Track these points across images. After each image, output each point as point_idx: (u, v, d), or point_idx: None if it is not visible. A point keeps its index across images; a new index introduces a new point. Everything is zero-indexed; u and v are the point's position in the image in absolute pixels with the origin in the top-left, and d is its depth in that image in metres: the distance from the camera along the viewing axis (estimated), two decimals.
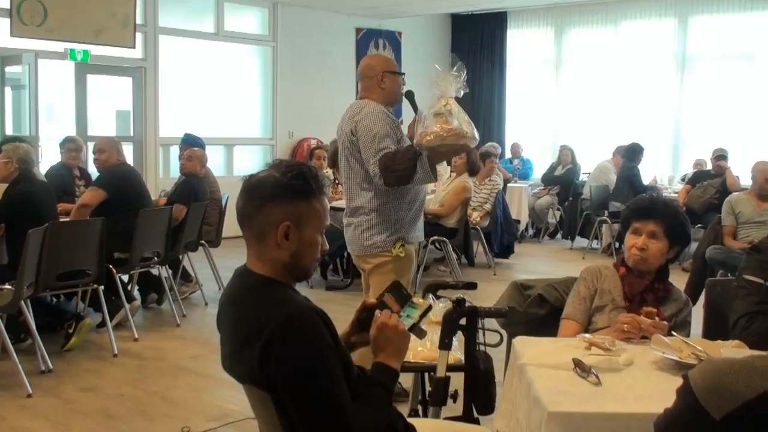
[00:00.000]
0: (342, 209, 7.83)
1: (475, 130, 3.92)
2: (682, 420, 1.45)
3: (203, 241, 7.36)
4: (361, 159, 4.11)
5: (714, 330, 3.38)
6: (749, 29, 11.82)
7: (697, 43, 12.44)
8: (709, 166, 10.38)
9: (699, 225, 8.60)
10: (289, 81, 12.45)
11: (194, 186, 7.01)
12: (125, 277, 6.54)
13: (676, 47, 12.59)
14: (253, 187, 2.10)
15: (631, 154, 10.27)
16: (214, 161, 9.83)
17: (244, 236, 2.14)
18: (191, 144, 7.73)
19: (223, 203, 7.74)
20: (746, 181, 7.70)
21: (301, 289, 2.16)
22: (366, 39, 13.70)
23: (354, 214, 4.26)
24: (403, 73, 4.44)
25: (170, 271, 6.95)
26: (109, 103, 10.92)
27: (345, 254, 8.45)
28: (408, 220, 4.21)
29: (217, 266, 7.57)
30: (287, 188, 2.07)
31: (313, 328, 1.96)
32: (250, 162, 11.92)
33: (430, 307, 2.35)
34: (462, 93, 3.95)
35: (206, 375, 5.19)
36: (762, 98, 11.74)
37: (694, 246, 6.97)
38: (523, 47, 14.28)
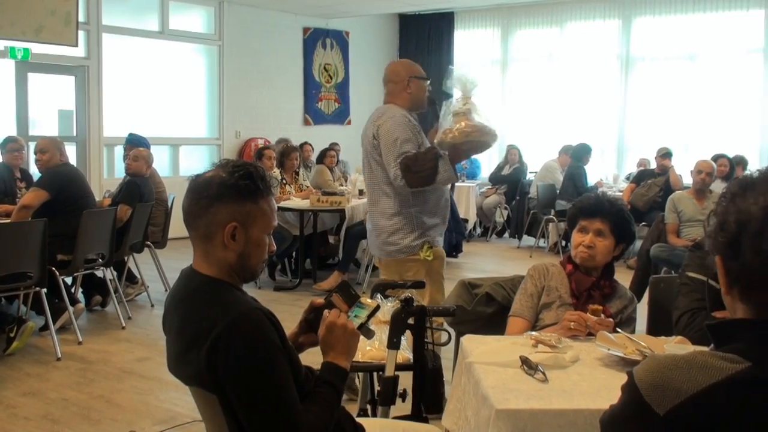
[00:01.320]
0: (290, 210, 7.88)
1: (494, 127, 4.03)
2: (626, 416, 1.47)
3: (149, 242, 7.27)
4: (383, 163, 4.14)
5: (658, 326, 3.44)
6: (692, 30, 12.05)
7: (640, 44, 12.65)
8: (653, 165, 10.56)
9: (643, 223, 8.75)
10: (235, 80, 12.35)
11: (139, 186, 6.92)
12: (68, 280, 6.42)
13: (621, 48, 12.78)
14: (199, 187, 2.08)
15: (579, 153, 10.41)
16: (160, 161, 9.72)
17: (191, 237, 2.12)
18: (136, 144, 7.62)
19: (169, 204, 7.65)
20: (689, 179, 7.84)
21: (249, 289, 2.15)
22: (313, 38, 13.67)
23: (377, 219, 4.26)
24: (429, 79, 4.45)
25: (115, 273, 6.84)
26: (51, 102, 10.70)
27: (293, 255, 8.45)
28: (433, 223, 4.23)
29: (164, 267, 7.48)
30: (234, 188, 2.05)
31: (260, 328, 1.95)
32: (197, 162, 11.79)
33: (378, 307, 2.35)
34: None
35: (152, 378, 5.12)
36: (704, 98, 11.99)
37: (638, 244, 7.09)
38: (471, 47, 14.37)
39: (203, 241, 2.09)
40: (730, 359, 1.39)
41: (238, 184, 2.06)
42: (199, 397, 2.10)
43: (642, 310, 3.41)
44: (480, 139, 4.04)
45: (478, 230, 12.13)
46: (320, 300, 2.36)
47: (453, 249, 9.52)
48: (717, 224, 1.47)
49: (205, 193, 2.06)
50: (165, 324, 2.19)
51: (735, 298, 1.47)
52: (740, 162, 9.88)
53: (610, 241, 3.15)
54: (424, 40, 14.80)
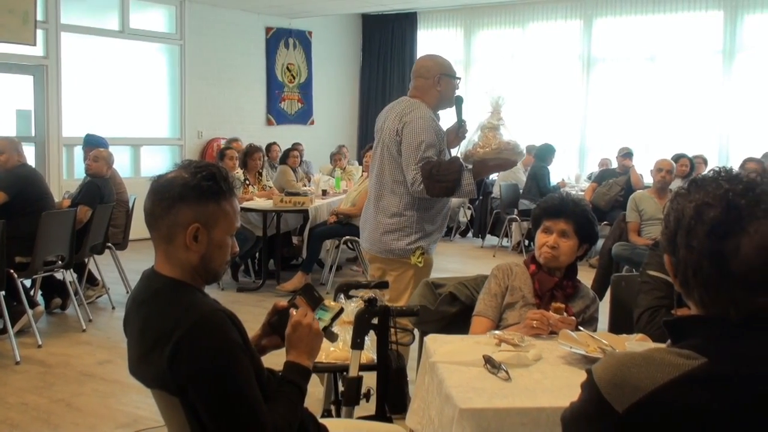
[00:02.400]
0: (253, 210, 7.84)
1: (522, 145, 4.05)
2: (586, 413, 1.48)
3: (110, 244, 7.18)
4: (398, 159, 4.05)
5: (619, 324, 3.48)
6: (652, 31, 12.21)
7: (601, 45, 12.78)
8: (615, 165, 10.68)
9: (605, 222, 8.84)
10: (197, 80, 12.26)
11: (100, 187, 6.84)
12: (27, 282, 6.32)
13: (582, 48, 12.90)
14: (161, 188, 2.06)
15: (543, 154, 10.49)
16: (121, 162, 9.61)
17: (152, 238, 2.10)
18: (94, 145, 7.51)
19: (131, 205, 7.57)
20: (650, 179, 7.94)
21: (212, 291, 2.14)
22: (276, 38, 13.61)
23: (377, 214, 4.18)
24: (460, 78, 4.38)
25: (75, 275, 6.75)
26: (9, 102, 10.54)
27: (257, 255, 8.41)
28: (431, 230, 4.17)
29: (125, 269, 7.40)
30: (196, 189, 2.04)
31: (222, 330, 1.94)
32: (159, 162, 11.68)
33: (341, 310, 2.35)
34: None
35: (114, 381, 5.07)
36: (664, 98, 12.15)
37: (600, 243, 7.15)
38: (434, 48, 14.38)
39: (165, 243, 2.07)
40: (686, 355, 1.41)
41: (200, 185, 2.04)
42: (161, 399, 2.09)
43: (604, 308, 3.44)
44: (510, 158, 4.06)
45: None
46: (283, 302, 2.35)
47: None
48: (665, 224, 1.52)
49: (167, 194, 2.04)
50: (126, 326, 2.17)
51: (684, 294, 1.51)
52: (704, 161, 10.06)
53: (574, 241, 3.17)
54: (387, 40, 14.82)
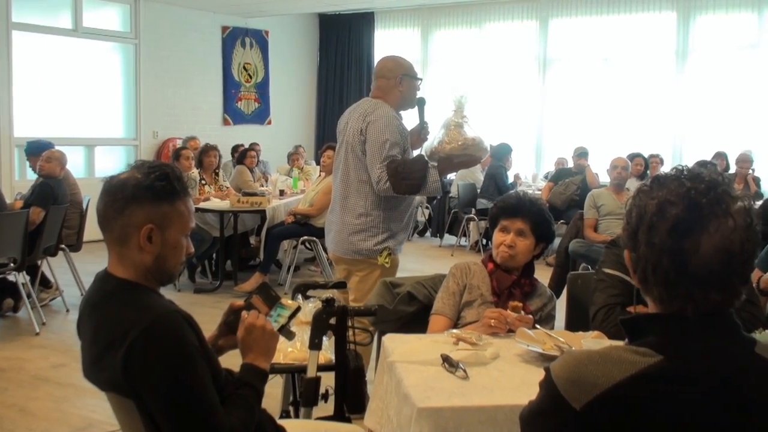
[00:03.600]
0: (210, 210, 7.78)
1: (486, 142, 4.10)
2: (544, 410, 1.50)
3: (63, 246, 7.07)
4: (363, 159, 4.05)
5: (576, 321, 3.51)
6: (606, 32, 12.35)
7: (557, 45, 12.89)
8: (571, 164, 10.78)
9: (561, 221, 8.92)
10: (152, 79, 12.12)
11: (53, 188, 6.73)
12: None
13: (538, 49, 13.00)
14: (114, 189, 2.04)
15: (500, 153, 10.55)
16: (74, 162, 9.46)
17: (105, 239, 2.07)
18: (36, 153, 7.30)
19: (84, 206, 7.46)
20: (605, 178, 8.03)
21: (169, 292, 2.11)
22: (232, 37, 13.51)
23: (343, 215, 4.16)
24: (421, 79, 4.39)
25: (28, 277, 6.64)
26: None
27: (213, 256, 8.35)
28: (398, 230, 4.18)
29: (79, 271, 7.29)
30: (150, 190, 2.02)
31: (178, 331, 1.92)
32: (113, 163, 11.51)
33: (298, 309, 2.34)
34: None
35: (68, 384, 4.99)
36: (619, 98, 12.30)
37: (557, 241, 7.22)
38: (391, 47, 14.38)
39: (118, 244, 2.04)
40: (642, 353, 1.43)
41: (153, 186, 2.02)
42: (116, 403, 2.06)
43: (561, 306, 3.47)
44: (475, 154, 4.10)
45: None
46: (240, 302, 2.33)
47: None
48: (626, 220, 1.55)
49: (120, 195, 2.02)
50: (80, 329, 2.14)
51: (642, 290, 1.53)
52: (660, 161, 10.22)
53: (531, 240, 3.20)
54: (345, 40, 14.80)
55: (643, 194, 1.51)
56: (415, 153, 4.31)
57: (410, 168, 3.99)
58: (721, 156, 10.14)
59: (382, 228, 4.10)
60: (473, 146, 4.04)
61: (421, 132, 4.31)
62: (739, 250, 1.43)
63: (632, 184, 7.64)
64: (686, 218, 1.43)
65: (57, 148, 7.33)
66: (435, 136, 4.14)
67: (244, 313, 2.24)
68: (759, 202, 6.96)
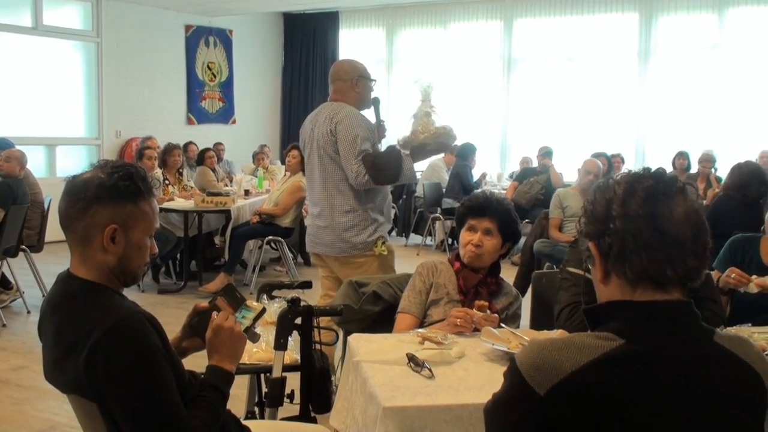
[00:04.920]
0: (174, 211, 7.71)
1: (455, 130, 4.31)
2: (509, 399, 1.51)
3: (24, 246, 6.98)
4: (337, 159, 4.18)
5: (540, 320, 3.54)
6: (570, 32, 12.44)
7: (521, 45, 12.96)
8: (535, 164, 10.85)
9: (526, 220, 8.95)
10: (115, 78, 11.99)
11: (12, 188, 6.63)
12: None
13: (503, 49, 13.06)
14: (76, 189, 2.01)
15: (465, 153, 10.58)
16: (35, 162, 9.35)
17: (68, 240, 2.05)
18: None
19: (46, 206, 7.37)
20: (569, 177, 8.08)
21: (132, 293, 2.10)
22: (196, 36, 13.42)
23: (331, 216, 4.28)
24: (375, 80, 4.55)
25: None
26: None
27: (178, 257, 8.28)
28: (382, 220, 4.34)
29: (40, 272, 7.19)
30: (113, 190, 2.00)
31: (141, 333, 1.90)
32: (75, 163, 11.37)
33: (264, 310, 2.33)
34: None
35: (29, 387, 4.92)
36: (582, 98, 12.40)
37: (522, 240, 7.26)
38: (356, 47, 14.40)
39: (81, 245, 2.02)
40: (605, 337, 1.47)
41: (117, 186, 2.00)
42: (78, 405, 2.04)
43: (525, 304, 3.50)
44: (446, 142, 4.36)
45: None
46: (204, 303, 2.32)
47: None
48: (587, 216, 1.59)
49: (83, 195, 2.00)
50: (41, 331, 2.11)
51: (611, 281, 1.55)
52: (622, 160, 10.31)
53: (498, 239, 3.23)
54: (309, 40, 14.76)
55: (604, 188, 1.58)
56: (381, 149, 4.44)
57: (386, 158, 4.17)
58: (682, 155, 10.25)
59: (370, 220, 4.27)
60: (444, 134, 4.26)
61: (378, 129, 4.45)
62: (702, 221, 1.53)
63: None
64: (657, 187, 1.52)
65: (17, 147, 7.23)
66: (406, 126, 4.31)
67: (214, 314, 2.23)
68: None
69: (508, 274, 4.21)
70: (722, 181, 9.52)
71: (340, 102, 4.32)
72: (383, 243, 4.28)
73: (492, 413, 1.57)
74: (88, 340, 1.87)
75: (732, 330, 2.83)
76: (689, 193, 1.54)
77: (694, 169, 9.97)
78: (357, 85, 4.37)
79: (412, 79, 4.49)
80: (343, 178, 4.22)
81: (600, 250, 1.56)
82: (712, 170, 9.80)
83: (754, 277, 3.22)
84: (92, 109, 11.94)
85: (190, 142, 10.95)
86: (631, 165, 10.97)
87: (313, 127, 4.34)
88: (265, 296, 3.42)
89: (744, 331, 2.85)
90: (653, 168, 1.60)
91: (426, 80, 4.34)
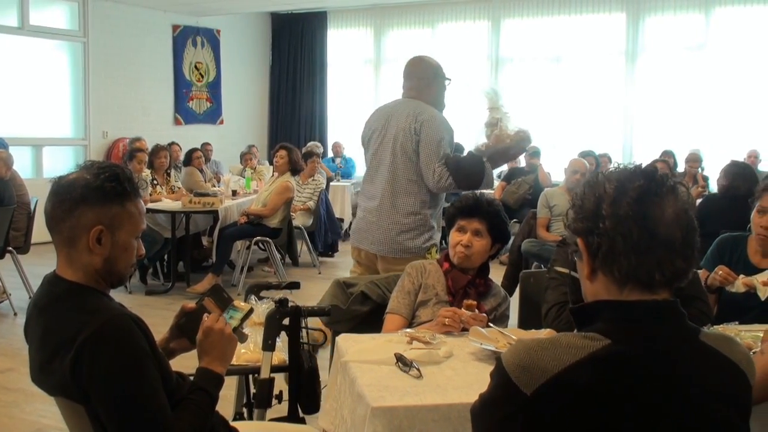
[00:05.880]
0: (161, 211, 7.69)
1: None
2: (495, 399, 1.51)
3: (11, 248, 6.94)
4: (414, 158, 4.08)
5: (528, 319, 3.55)
6: (557, 32, 12.49)
7: (509, 45, 12.99)
8: (523, 164, 10.86)
9: (514, 220, 8.97)
10: (102, 79, 11.94)
11: None
12: None
13: (490, 49, 13.09)
14: (62, 190, 2.01)
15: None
16: (22, 163, 9.30)
17: (54, 241, 2.04)
18: None
19: (32, 207, 7.33)
20: (557, 177, 8.10)
21: (120, 294, 2.09)
22: (183, 36, 13.38)
23: (391, 214, 4.15)
24: (451, 79, 4.50)
25: None
26: None
27: (165, 258, 8.25)
28: (437, 227, 4.25)
29: (27, 274, 7.15)
30: (100, 191, 1.99)
31: (128, 335, 1.90)
32: (62, 163, 11.32)
33: (251, 311, 2.32)
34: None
35: (16, 389, 4.90)
36: (570, 98, 12.45)
37: (510, 241, 7.27)
38: (344, 47, 14.41)
39: (67, 246, 2.01)
40: (591, 338, 1.47)
41: (103, 186, 1.99)
42: (65, 408, 2.03)
43: (513, 304, 3.50)
44: (525, 145, 4.31)
45: None
46: (191, 304, 2.31)
47: (329, 248, 9.55)
48: (575, 211, 1.58)
49: (69, 196, 1.99)
50: (27, 333, 2.10)
51: (598, 279, 1.55)
52: (609, 159, 10.32)
53: (487, 240, 3.23)
54: (297, 40, 14.74)
55: (594, 184, 1.57)
56: None
57: (470, 163, 4.12)
58: (668, 154, 10.30)
59: (429, 226, 4.15)
60: (526, 138, 4.21)
61: None
62: (692, 222, 1.52)
63: None
64: (649, 187, 1.51)
65: (2, 148, 7.19)
66: (479, 135, 4.30)
67: (205, 316, 2.22)
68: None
69: (496, 273, 4.21)
70: (708, 181, 9.61)
71: (416, 100, 4.24)
72: (436, 251, 4.16)
73: (478, 414, 1.57)
74: (75, 342, 1.87)
75: (719, 329, 2.84)
76: (680, 193, 1.53)
77: (681, 168, 10.02)
78: (434, 83, 4.32)
79: (479, 87, 4.46)
80: (413, 179, 4.11)
81: (588, 248, 1.55)
82: (699, 170, 9.85)
83: (741, 275, 3.24)
84: (79, 110, 11.89)
85: (173, 143, 10.88)
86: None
87: (388, 121, 4.21)
88: (253, 297, 3.41)
89: (731, 329, 2.86)
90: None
91: (493, 88, 4.32)
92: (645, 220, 1.48)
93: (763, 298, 3.08)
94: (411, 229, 4.12)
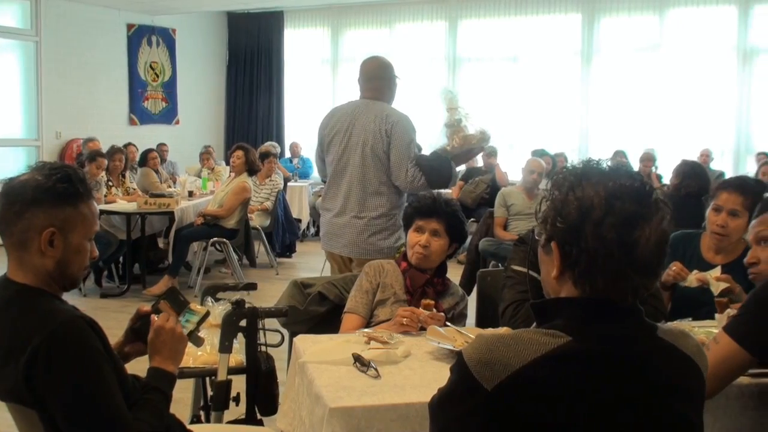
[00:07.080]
0: (116, 213, 7.59)
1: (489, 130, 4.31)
2: (455, 394, 1.51)
3: None
4: (384, 159, 4.10)
5: (485, 318, 3.57)
6: (514, 32, 12.59)
7: (466, 45, 13.06)
8: (480, 163, 10.93)
9: (472, 219, 9.03)
10: (55, 78, 11.75)
11: None
12: None
13: (447, 49, 13.15)
14: (13, 192, 1.98)
15: None
16: None
17: (4, 244, 2.00)
18: None
19: None
20: (513, 176, 8.16)
21: (74, 297, 2.06)
22: (138, 35, 13.23)
23: (357, 216, 4.16)
24: (399, 77, 4.54)
25: None
26: None
27: (120, 260, 8.15)
28: (401, 226, 4.19)
29: None
30: (51, 192, 1.96)
31: (82, 337, 1.87)
32: (12, 165, 11.11)
33: (207, 314, 2.31)
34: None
35: None
36: (527, 98, 12.56)
37: (468, 240, 7.31)
38: (301, 47, 14.36)
39: (18, 249, 1.98)
40: (552, 335, 1.48)
41: (55, 188, 1.96)
42: (17, 413, 2.00)
43: (471, 303, 3.52)
44: (484, 145, 4.37)
45: (312, 230, 12.11)
46: (147, 307, 2.29)
47: (286, 249, 9.53)
48: (554, 212, 1.55)
49: (19, 198, 1.96)
50: None
51: (566, 281, 1.55)
52: (565, 159, 10.45)
53: (445, 240, 3.24)
54: (254, 39, 14.64)
55: (577, 189, 1.53)
56: None
57: (439, 163, 4.15)
58: (620, 154, 10.45)
59: (398, 225, 4.18)
60: (485, 138, 4.27)
61: None
62: (667, 242, 1.53)
63: (543, 185, 7.78)
64: (635, 211, 1.49)
65: None
66: (440, 136, 4.32)
67: (154, 316, 2.20)
68: None
69: (454, 272, 4.23)
70: (662, 179, 9.76)
71: (377, 101, 4.27)
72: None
73: (437, 407, 1.57)
74: (28, 346, 1.84)
75: (673, 325, 2.88)
76: (665, 213, 1.52)
77: (635, 167, 10.16)
78: (392, 83, 4.39)
79: (438, 89, 4.50)
80: (383, 181, 4.14)
81: (562, 255, 1.54)
82: (653, 169, 10.00)
83: (695, 271, 3.29)
84: (31, 110, 11.68)
85: (130, 144, 10.76)
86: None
87: (352, 123, 4.20)
88: (209, 298, 3.39)
89: (684, 325, 2.90)
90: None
91: (448, 89, 4.38)
92: (628, 245, 1.47)
93: (716, 294, 3.12)
94: (383, 229, 4.17)
